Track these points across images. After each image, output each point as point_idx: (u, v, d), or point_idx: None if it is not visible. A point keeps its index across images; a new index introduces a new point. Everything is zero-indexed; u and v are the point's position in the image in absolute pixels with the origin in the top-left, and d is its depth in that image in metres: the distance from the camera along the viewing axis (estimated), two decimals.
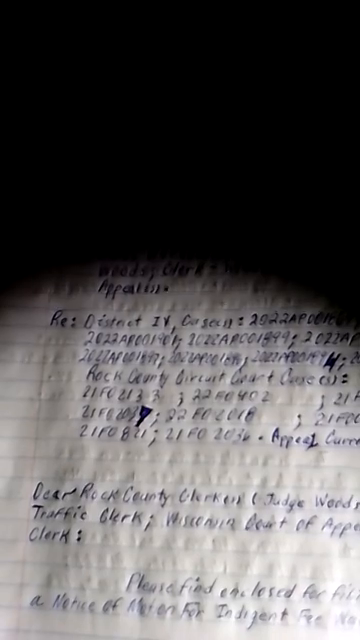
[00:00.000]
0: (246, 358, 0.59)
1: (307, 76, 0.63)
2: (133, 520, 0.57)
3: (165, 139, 0.65)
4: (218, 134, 0.64)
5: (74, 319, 0.62)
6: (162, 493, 0.56)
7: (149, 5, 0.63)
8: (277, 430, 0.57)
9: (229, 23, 0.64)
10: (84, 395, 0.60)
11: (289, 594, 0.53)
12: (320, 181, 0.63)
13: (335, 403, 0.57)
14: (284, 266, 0.62)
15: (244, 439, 0.57)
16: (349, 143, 0.62)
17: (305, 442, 0.56)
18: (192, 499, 0.56)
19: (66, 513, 0.58)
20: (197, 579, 0.54)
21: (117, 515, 0.57)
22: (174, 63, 0.65)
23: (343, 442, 0.56)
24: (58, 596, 0.56)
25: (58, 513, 0.58)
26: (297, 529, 0.55)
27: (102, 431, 0.59)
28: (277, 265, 0.62)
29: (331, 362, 0.58)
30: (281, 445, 0.57)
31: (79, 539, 0.57)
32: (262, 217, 0.64)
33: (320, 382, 0.58)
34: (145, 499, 0.56)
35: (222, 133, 0.64)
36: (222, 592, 0.54)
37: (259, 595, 0.54)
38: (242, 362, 0.59)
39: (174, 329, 0.61)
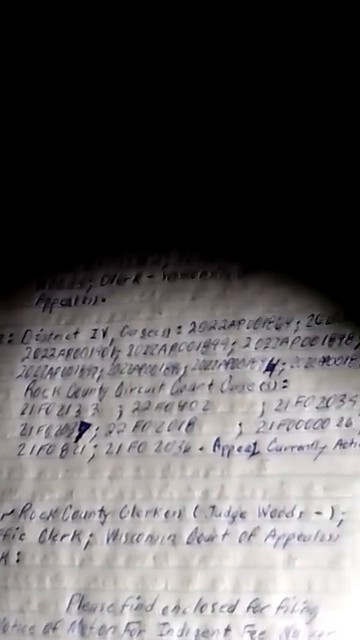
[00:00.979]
0: (185, 367, 0.57)
1: (307, 75, 0.63)
2: (73, 539, 0.55)
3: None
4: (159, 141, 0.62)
5: (11, 335, 0.60)
6: (102, 510, 0.55)
7: (149, 5, 0.62)
8: (218, 440, 0.55)
9: (229, 23, 0.63)
10: (22, 413, 0.59)
11: (232, 609, 0.51)
12: (263, 186, 0.61)
13: (276, 409, 0.55)
14: (222, 273, 0.58)
15: (185, 451, 0.55)
16: (322, 145, 0.60)
17: (247, 451, 0.54)
18: (132, 515, 0.54)
19: (5, 535, 0.56)
20: (138, 597, 0.53)
21: (56, 534, 0.55)
22: (173, 63, 0.64)
23: (285, 449, 0.54)
24: None
25: None
26: (240, 541, 0.53)
27: (40, 449, 0.57)
28: (215, 272, 0.59)
29: (271, 367, 0.56)
30: (222, 455, 0.55)
31: (18, 560, 0.55)
32: (198, 224, 0.61)
33: (260, 388, 0.56)
34: (85, 517, 0.55)
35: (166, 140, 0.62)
36: (164, 610, 0.52)
37: (201, 611, 0.52)
38: (182, 371, 0.57)
39: (113, 340, 0.59)
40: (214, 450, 0.56)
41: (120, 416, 0.58)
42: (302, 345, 0.57)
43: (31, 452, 0.58)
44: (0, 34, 0.63)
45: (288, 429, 0.55)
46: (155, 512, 0.55)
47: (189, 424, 0.56)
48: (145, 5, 0.63)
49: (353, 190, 0.60)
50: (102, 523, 0.55)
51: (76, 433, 0.58)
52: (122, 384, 0.59)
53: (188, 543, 0.54)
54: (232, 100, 0.63)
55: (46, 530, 0.56)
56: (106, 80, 0.64)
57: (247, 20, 0.63)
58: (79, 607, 0.54)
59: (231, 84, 0.64)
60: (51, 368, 0.60)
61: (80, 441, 0.58)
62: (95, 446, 0.58)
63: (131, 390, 0.59)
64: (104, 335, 0.60)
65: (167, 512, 0.55)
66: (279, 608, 0.52)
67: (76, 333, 0.60)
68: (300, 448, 0.54)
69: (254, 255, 0.60)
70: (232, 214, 0.62)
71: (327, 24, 0.62)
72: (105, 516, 0.55)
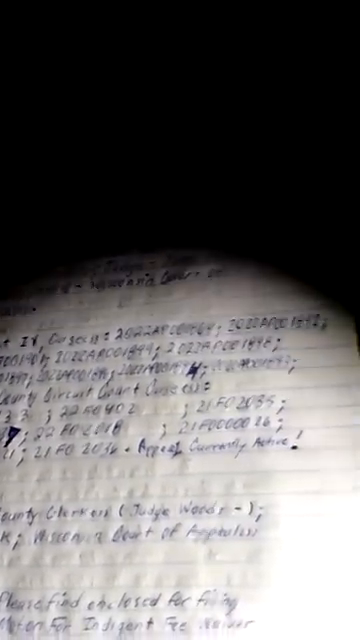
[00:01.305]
0: (112, 372, 0.59)
1: (307, 75, 0.64)
2: (2, 540, 0.56)
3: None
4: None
5: None
6: (30, 511, 0.56)
7: (149, 5, 0.63)
8: (143, 441, 0.57)
9: (229, 23, 0.64)
10: None
11: (154, 603, 0.53)
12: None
13: (198, 410, 0.57)
14: (147, 280, 0.60)
15: (111, 452, 0.57)
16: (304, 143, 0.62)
17: (170, 451, 0.56)
18: (59, 515, 0.56)
19: None
20: (64, 594, 0.54)
21: None
22: (172, 63, 0.65)
23: (206, 449, 0.56)
24: None
25: None
26: (162, 537, 0.54)
27: None
28: (141, 279, 0.61)
29: (193, 370, 0.58)
30: (147, 455, 0.56)
31: None
32: (123, 232, 0.63)
33: (183, 391, 0.58)
34: (13, 519, 0.56)
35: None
36: (89, 605, 0.54)
37: (125, 606, 0.53)
38: (109, 376, 0.59)
39: (42, 348, 0.60)
40: (139, 451, 0.57)
41: (49, 420, 0.59)
42: (223, 349, 0.59)
43: None
44: (0, 34, 0.64)
45: (209, 429, 0.57)
46: (82, 512, 0.56)
47: (115, 426, 0.58)
48: (145, 5, 0.64)
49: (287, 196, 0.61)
50: (30, 524, 0.56)
51: (6, 438, 0.59)
52: (51, 390, 0.60)
53: (114, 541, 0.55)
54: (218, 97, 0.65)
55: None
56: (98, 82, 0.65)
57: (247, 20, 0.64)
58: (7, 605, 0.55)
59: (230, 84, 0.65)
60: None
61: (9, 446, 0.59)
62: (24, 450, 0.59)
63: (60, 395, 0.60)
64: (34, 343, 0.61)
65: (93, 512, 0.56)
66: (200, 601, 0.53)
67: (6, 342, 0.62)
68: (221, 447, 0.56)
69: (178, 262, 0.61)
70: (154, 224, 0.64)
71: (327, 24, 0.63)
72: (33, 517, 0.57)
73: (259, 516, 0.54)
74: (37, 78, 0.66)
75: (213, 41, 0.64)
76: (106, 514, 0.55)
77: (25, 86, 0.65)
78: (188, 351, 0.58)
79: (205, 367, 0.58)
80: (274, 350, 0.57)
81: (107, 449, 0.57)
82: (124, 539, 0.54)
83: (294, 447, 0.56)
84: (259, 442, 0.56)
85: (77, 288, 0.62)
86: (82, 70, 0.65)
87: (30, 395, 0.59)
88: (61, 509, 0.56)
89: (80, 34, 0.65)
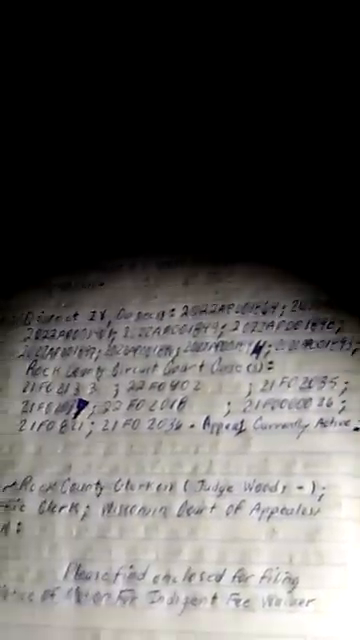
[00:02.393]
0: (178, 349, 0.58)
1: (307, 75, 0.62)
2: (70, 511, 0.56)
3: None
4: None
5: (13, 317, 0.61)
6: (98, 483, 0.56)
7: (149, 5, 0.61)
8: (208, 418, 0.55)
9: (229, 23, 0.62)
10: (23, 391, 0.59)
11: (219, 578, 0.52)
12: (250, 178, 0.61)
13: (262, 390, 0.56)
14: (212, 261, 0.59)
15: (176, 428, 0.56)
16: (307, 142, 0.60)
17: (234, 429, 0.55)
18: (126, 488, 0.55)
19: (6, 506, 0.57)
20: (130, 566, 0.54)
21: (55, 506, 0.56)
22: (172, 63, 0.63)
23: (269, 427, 0.55)
24: None
25: None
26: (226, 514, 0.53)
27: (41, 425, 0.58)
28: (205, 260, 0.59)
29: (257, 350, 0.56)
30: (211, 432, 0.55)
31: (18, 531, 0.56)
32: (189, 216, 0.63)
33: (247, 370, 0.56)
34: (81, 490, 0.56)
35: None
36: (154, 578, 0.53)
37: (190, 580, 0.52)
38: (174, 353, 0.58)
39: (109, 323, 0.59)
40: (203, 428, 0.56)
41: (116, 395, 0.58)
42: (287, 329, 0.57)
43: (31, 428, 0.59)
44: (0, 34, 0.62)
45: (273, 408, 0.55)
46: (147, 486, 0.55)
47: (180, 403, 0.57)
48: (145, 5, 0.62)
49: (335, 180, 0.59)
50: (97, 496, 0.56)
51: (74, 410, 0.58)
52: (118, 364, 0.59)
53: (178, 515, 0.54)
54: (219, 100, 0.62)
55: (45, 502, 0.56)
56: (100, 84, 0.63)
57: (247, 20, 0.62)
58: (75, 575, 0.55)
59: (230, 85, 0.63)
60: (51, 348, 0.60)
61: (78, 418, 0.58)
62: (92, 423, 0.58)
63: (126, 370, 0.59)
64: (102, 317, 0.60)
65: (159, 486, 0.55)
66: (262, 578, 0.52)
67: (75, 315, 0.60)
68: (284, 426, 0.55)
69: (240, 245, 0.59)
70: (219, 207, 0.61)
71: (327, 24, 0.61)
72: (100, 489, 0.56)
73: (321, 496, 0.53)
74: (38, 81, 0.64)
75: (214, 44, 0.62)
76: (171, 489, 0.54)
77: (26, 88, 0.62)
78: (252, 330, 0.56)
79: (269, 346, 0.56)
80: (337, 332, 0.55)
81: (172, 425, 0.56)
82: (188, 514, 0.53)
83: (356, 429, 0.55)
84: (321, 423, 0.55)
85: (143, 265, 0.59)
86: (83, 73, 0.63)
87: (98, 369, 0.58)
88: (128, 482, 0.55)
89: (80, 36, 0.63)
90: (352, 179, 0.59)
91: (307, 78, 0.61)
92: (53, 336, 0.60)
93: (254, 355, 0.57)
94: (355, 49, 0.60)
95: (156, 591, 0.53)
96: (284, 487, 0.54)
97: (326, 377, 0.55)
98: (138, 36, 0.64)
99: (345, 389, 0.55)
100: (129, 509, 0.55)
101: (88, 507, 0.56)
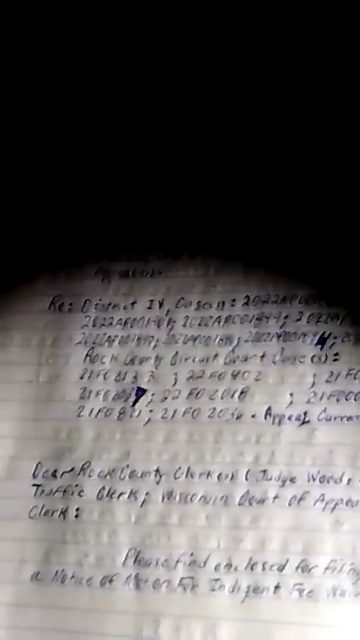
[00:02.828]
0: (239, 339, 0.57)
1: (307, 76, 0.62)
2: (129, 497, 0.55)
3: (152, 134, 0.63)
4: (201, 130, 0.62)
5: (71, 304, 0.60)
6: (157, 471, 0.55)
7: (149, 5, 0.60)
8: (269, 408, 0.55)
9: (229, 23, 0.62)
10: (81, 377, 0.59)
11: (281, 568, 0.52)
12: (303, 169, 0.61)
13: (326, 381, 0.55)
14: (273, 252, 0.59)
15: (237, 417, 0.55)
16: (330, 136, 0.59)
17: (297, 420, 0.54)
18: (186, 476, 0.55)
19: (64, 491, 0.56)
20: (191, 554, 0.53)
21: (113, 492, 0.55)
22: (172, 62, 0.63)
23: (334, 419, 0.54)
24: (57, 571, 0.55)
25: (57, 491, 0.56)
26: (289, 504, 0.53)
27: (99, 412, 0.57)
28: (266, 251, 0.60)
29: (322, 341, 0.56)
30: (273, 423, 0.55)
31: (77, 516, 0.55)
32: (251, 206, 0.63)
33: (312, 361, 0.56)
34: (141, 476, 0.55)
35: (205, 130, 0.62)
36: (216, 566, 0.52)
37: (252, 569, 0.52)
38: (235, 342, 0.57)
39: (168, 312, 0.59)
40: (265, 418, 0.56)
41: (175, 383, 0.58)
42: (352, 322, 0.56)
43: (89, 414, 0.58)
44: (0, 34, 0.62)
45: (338, 400, 0.55)
46: (208, 474, 0.55)
47: (241, 393, 0.56)
48: (145, 5, 0.62)
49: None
50: (157, 483, 0.55)
51: (133, 398, 0.58)
52: (177, 353, 0.58)
53: (239, 504, 0.54)
54: (224, 101, 0.63)
55: (104, 488, 0.56)
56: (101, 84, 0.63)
57: (247, 20, 0.62)
58: (134, 561, 0.54)
59: (230, 85, 0.63)
60: (109, 336, 0.60)
61: (137, 405, 0.57)
62: (151, 411, 0.57)
63: (185, 359, 0.58)
64: (160, 306, 0.60)
65: (219, 475, 0.54)
66: (326, 569, 0.52)
67: (133, 303, 0.60)
68: (349, 418, 0.54)
69: (304, 238, 0.59)
70: (279, 200, 0.63)
71: (327, 24, 0.61)
72: (160, 476, 0.55)
73: None
74: (38, 79, 0.64)
75: (214, 44, 0.63)
76: (232, 478, 0.54)
77: (26, 87, 0.63)
78: (317, 321, 0.56)
79: (334, 338, 0.55)
80: None
81: (233, 414, 0.55)
82: (250, 503, 0.53)
83: None
84: None
85: (203, 255, 0.58)
86: (83, 69, 0.64)
87: (156, 357, 0.58)
88: (188, 470, 0.54)
89: (80, 36, 0.63)
90: None
91: (307, 77, 0.61)
92: (111, 324, 0.60)
93: (318, 346, 0.56)
94: (355, 49, 0.59)
95: (217, 579, 0.52)
96: (349, 479, 0.53)
97: None
98: (138, 36, 0.64)
99: None
100: (189, 497, 0.54)
101: (147, 494, 0.55)
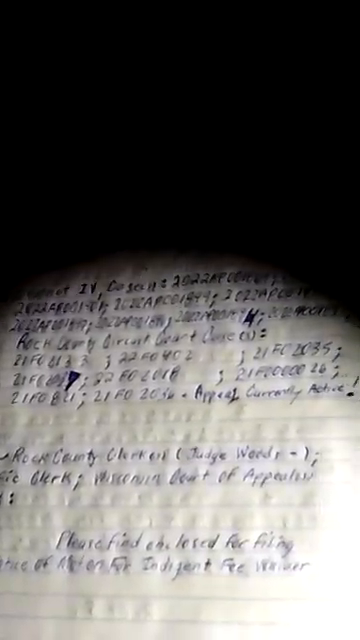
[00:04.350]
0: (170, 319, 0.57)
1: (307, 75, 0.61)
2: (62, 480, 0.55)
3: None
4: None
5: (4, 292, 0.59)
6: (90, 453, 0.54)
7: (149, 5, 0.60)
8: (200, 387, 0.54)
9: (229, 23, 0.61)
10: (15, 364, 0.58)
11: (212, 544, 0.51)
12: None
13: (254, 357, 0.55)
14: (204, 233, 0.58)
15: (168, 397, 0.55)
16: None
17: (227, 397, 0.54)
18: (119, 457, 0.54)
19: None
20: (124, 534, 0.52)
21: (47, 476, 0.55)
22: (172, 62, 0.62)
23: (262, 394, 0.54)
24: None
25: None
26: (219, 480, 0.52)
27: (33, 397, 0.57)
28: (196, 232, 0.58)
29: (250, 318, 0.55)
30: (204, 401, 0.54)
31: (11, 502, 0.55)
32: (179, 186, 0.62)
33: (240, 338, 0.55)
34: (74, 460, 0.54)
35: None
36: (148, 545, 0.52)
37: (183, 547, 0.51)
38: (166, 323, 0.57)
39: (100, 295, 0.58)
40: (196, 397, 0.55)
41: (108, 366, 0.57)
42: (279, 296, 0.56)
43: (24, 400, 0.58)
44: (0, 34, 0.61)
45: (266, 376, 0.55)
46: (140, 454, 0.54)
47: (173, 372, 0.56)
48: (145, 5, 0.61)
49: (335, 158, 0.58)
50: (90, 465, 0.55)
51: (66, 382, 0.57)
52: (109, 336, 0.58)
53: (171, 483, 0.53)
54: (225, 100, 0.62)
55: (38, 472, 0.55)
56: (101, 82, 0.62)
57: (247, 20, 0.61)
58: (68, 544, 0.53)
59: (230, 85, 0.62)
60: (42, 322, 0.60)
61: (70, 389, 0.57)
62: (84, 394, 0.57)
63: (118, 342, 0.58)
64: (92, 290, 0.59)
65: (152, 454, 0.54)
66: (256, 543, 0.51)
67: (66, 289, 0.59)
68: (277, 393, 0.54)
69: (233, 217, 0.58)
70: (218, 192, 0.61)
71: (327, 24, 0.60)
72: (93, 458, 0.55)
73: (314, 461, 0.53)
74: (37, 78, 0.63)
75: (214, 42, 0.62)
76: (164, 457, 0.53)
77: (26, 86, 0.62)
78: (245, 298, 0.55)
79: (262, 314, 0.55)
80: (330, 298, 0.54)
81: (164, 394, 0.55)
82: (181, 481, 0.52)
83: (350, 394, 0.53)
84: (314, 389, 0.54)
85: (134, 239, 0.58)
86: (85, 72, 0.62)
87: (89, 341, 0.57)
88: (121, 451, 0.54)
89: (80, 34, 0.62)
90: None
91: (307, 76, 0.60)
92: (44, 309, 0.60)
93: (247, 323, 0.55)
94: (355, 49, 0.59)
95: (150, 558, 0.52)
96: (277, 453, 0.53)
97: (319, 343, 0.55)
98: (138, 35, 0.63)
99: (338, 355, 0.55)
100: (122, 478, 0.54)
101: (81, 477, 0.55)
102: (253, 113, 0.61)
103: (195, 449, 0.54)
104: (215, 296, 0.57)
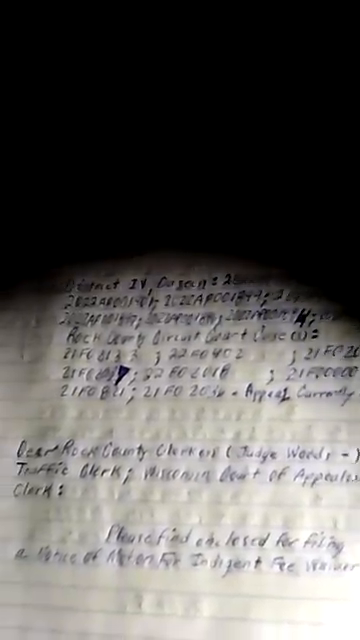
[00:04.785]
0: (220, 317, 0.57)
1: (307, 75, 0.61)
2: (112, 474, 0.55)
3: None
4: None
5: (54, 285, 0.59)
6: (140, 448, 0.54)
7: (149, 5, 0.60)
8: (250, 385, 0.54)
9: (229, 23, 0.61)
10: (64, 357, 0.58)
11: (262, 542, 0.51)
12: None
13: (306, 358, 0.55)
14: (252, 232, 0.59)
15: (218, 395, 0.55)
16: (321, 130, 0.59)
17: (277, 396, 0.54)
18: (169, 453, 0.54)
19: (48, 469, 0.56)
20: (174, 529, 0.52)
21: (97, 470, 0.55)
22: (173, 61, 0.62)
23: (313, 395, 0.54)
24: (41, 549, 0.54)
25: (41, 469, 0.56)
26: (270, 479, 0.52)
27: (82, 391, 0.57)
28: (246, 231, 0.59)
29: (302, 318, 0.55)
30: (254, 400, 0.54)
31: (61, 494, 0.55)
32: (232, 190, 0.63)
33: (292, 338, 0.55)
34: (123, 454, 0.55)
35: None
36: (197, 542, 0.52)
37: (233, 544, 0.51)
38: (216, 321, 0.57)
39: (150, 291, 0.58)
40: (246, 395, 0.55)
41: (157, 362, 0.57)
42: (330, 299, 0.56)
43: (73, 393, 0.58)
44: (0, 34, 0.61)
45: (317, 376, 0.55)
46: (190, 451, 0.54)
47: (223, 370, 0.56)
48: (145, 5, 0.61)
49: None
50: (140, 460, 0.55)
51: (116, 377, 0.57)
52: (159, 332, 0.58)
53: (221, 480, 0.53)
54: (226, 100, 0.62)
55: (87, 465, 0.55)
56: (104, 80, 0.62)
57: (247, 20, 0.61)
58: (118, 538, 0.54)
59: (230, 85, 0.62)
60: (92, 316, 0.60)
61: (119, 384, 0.57)
62: (134, 389, 0.57)
63: (168, 338, 0.58)
64: (142, 285, 0.59)
65: (201, 451, 0.54)
66: (306, 542, 0.51)
67: (116, 283, 0.59)
68: (328, 394, 0.54)
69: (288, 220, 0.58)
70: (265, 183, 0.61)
71: (327, 24, 0.60)
72: (143, 453, 0.55)
73: None
74: (38, 77, 0.63)
75: (214, 42, 0.62)
76: (214, 454, 0.53)
77: (26, 85, 0.62)
78: (296, 299, 0.55)
79: (314, 315, 0.55)
80: None
81: (214, 392, 0.55)
82: (231, 479, 0.52)
83: None
84: None
85: (183, 235, 0.58)
86: (85, 71, 0.62)
87: (139, 336, 0.57)
88: (170, 447, 0.54)
89: (80, 34, 0.62)
90: None
91: (307, 77, 0.60)
92: (94, 304, 0.59)
93: (298, 323, 0.55)
94: (355, 49, 0.58)
95: (199, 554, 0.52)
96: (328, 454, 0.53)
97: None
98: (138, 35, 0.63)
99: None
100: (172, 473, 0.54)
101: (130, 471, 0.55)
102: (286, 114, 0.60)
103: (245, 447, 0.54)
104: (267, 295, 0.56)
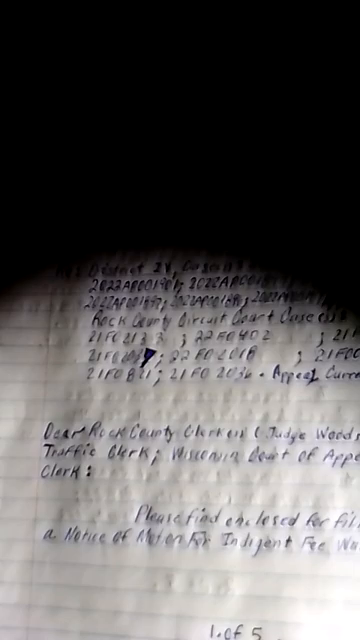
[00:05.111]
0: (246, 299, 0.57)
1: (307, 76, 0.61)
2: (140, 455, 0.55)
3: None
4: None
5: (79, 269, 0.59)
6: (167, 429, 0.54)
7: (149, 5, 0.60)
8: (278, 367, 0.54)
9: (229, 23, 0.61)
10: (90, 340, 0.58)
11: (293, 522, 0.51)
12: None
13: (334, 339, 0.55)
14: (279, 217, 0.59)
15: (246, 377, 0.55)
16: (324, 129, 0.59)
17: (305, 378, 0.54)
18: (197, 434, 0.54)
19: (76, 450, 0.56)
20: (203, 509, 0.52)
21: (124, 451, 0.55)
22: (173, 61, 0.62)
23: (342, 376, 0.54)
24: (70, 529, 0.54)
25: (68, 451, 0.56)
26: (299, 460, 0.52)
27: (108, 373, 0.57)
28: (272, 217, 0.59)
29: (329, 300, 0.55)
30: (282, 381, 0.54)
31: (89, 474, 0.55)
32: (254, 184, 0.62)
33: (319, 320, 0.55)
34: (151, 435, 0.54)
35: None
36: (227, 521, 0.52)
37: (263, 524, 0.51)
38: (242, 303, 0.57)
39: (175, 274, 0.58)
40: (274, 377, 0.55)
41: (183, 344, 0.57)
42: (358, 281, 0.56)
43: (99, 376, 0.58)
44: (0, 34, 0.61)
45: (346, 358, 0.55)
46: (218, 432, 0.54)
47: (250, 352, 0.56)
48: (145, 5, 0.61)
49: None
50: (168, 441, 0.55)
51: (142, 359, 0.57)
52: (185, 315, 0.58)
53: (250, 461, 0.53)
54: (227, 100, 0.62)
55: (115, 447, 0.55)
56: (106, 80, 0.62)
57: (247, 20, 0.61)
58: (147, 518, 0.53)
59: (231, 85, 0.62)
60: (117, 299, 0.59)
61: (146, 366, 0.57)
62: (160, 372, 0.57)
63: (194, 320, 0.58)
64: (167, 269, 0.58)
65: (229, 432, 0.54)
66: (337, 522, 0.51)
67: (140, 267, 0.59)
68: (357, 375, 0.54)
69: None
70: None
71: (327, 24, 0.60)
72: (170, 435, 0.55)
73: None
74: (38, 76, 0.63)
75: (214, 42, 0.61)
76: (242, 435, 0.53)
77: (26, 85, 0.62)
78: (323, 282, 0.55)
79: (340, 297, 0.55)
80: None
81: (241, 374, 0.55)
82: (260, 460, 0.52)
83: None
84: None
85: (209, 219, 0.58)
86: (85, 71, 0.62)
87: (164, 319, 0.57)
88: (198, 429, 0.54)
89: (80, 34, 0.62)
90: None
91: (307, 77, 0.60)
92: (118, 287, 0.59)
93: (325, 306, 0.55)
94: (355, 49, 0.58)
95: (229, 534, 0.52)
96: (358, 435, 0.52)
97: None
98: (138, 36, 0.63)
99: None
100: (200, 454, 0.54)
101: (158, 452, 0.55)
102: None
103: (274, 429, 0.54)
104: (293, 278, 0.56)
